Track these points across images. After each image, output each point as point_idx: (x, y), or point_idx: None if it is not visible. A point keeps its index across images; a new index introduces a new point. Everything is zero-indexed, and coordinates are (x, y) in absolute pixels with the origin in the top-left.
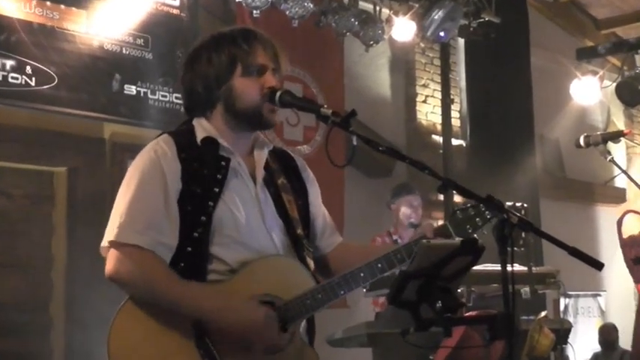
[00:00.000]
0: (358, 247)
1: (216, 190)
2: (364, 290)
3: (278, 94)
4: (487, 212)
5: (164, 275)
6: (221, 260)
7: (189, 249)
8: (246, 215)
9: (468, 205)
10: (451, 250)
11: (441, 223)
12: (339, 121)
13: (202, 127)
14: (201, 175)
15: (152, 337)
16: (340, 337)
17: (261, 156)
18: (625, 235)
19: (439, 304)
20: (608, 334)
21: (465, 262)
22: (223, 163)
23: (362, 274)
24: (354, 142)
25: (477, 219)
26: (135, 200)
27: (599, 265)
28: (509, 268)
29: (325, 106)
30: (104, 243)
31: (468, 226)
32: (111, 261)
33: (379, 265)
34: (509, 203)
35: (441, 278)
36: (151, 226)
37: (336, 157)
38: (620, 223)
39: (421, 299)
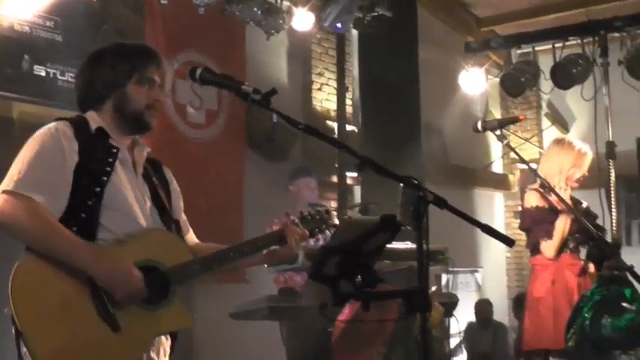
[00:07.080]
0: (205, 245)
1: (108, 169)
2: (265, 266)
3: (198, 71)
4: (330, 220)
5: (58, 225)
6: (109, 230)
7: (83, 215)
8: (132, 195)
9: (316, 211)
10: (371, 226)
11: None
12: (259, 98)
13: (95, 120)
14: (96, 155)
15: (52, 282)
16: (242, 311)
17: (142, 154)
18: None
19: (359, 278)
20: (485, 311)
21: (383, 238)
22: (114, 150)
23: (231, 254)
24: (274, 119)
25: (322, 224)
26: (34, 161)
27: (509, 242)
28: (424, 245)
29: (246, 83)
30: None
31: (316, 229)
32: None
33: (245, 249)
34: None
35: (362, 254)
36: (46, 187)
37: (237, 138)
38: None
39: (341, 274)
